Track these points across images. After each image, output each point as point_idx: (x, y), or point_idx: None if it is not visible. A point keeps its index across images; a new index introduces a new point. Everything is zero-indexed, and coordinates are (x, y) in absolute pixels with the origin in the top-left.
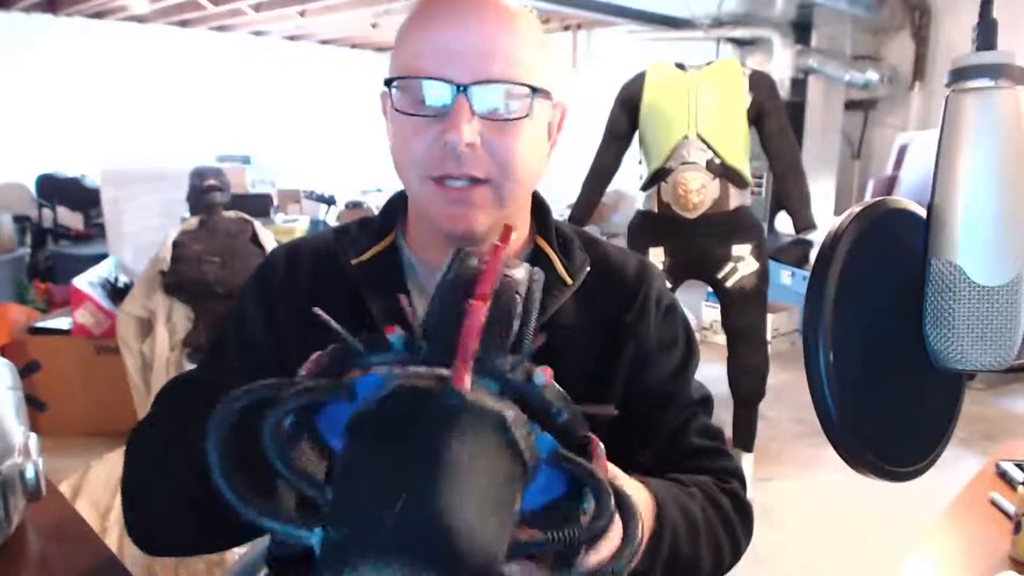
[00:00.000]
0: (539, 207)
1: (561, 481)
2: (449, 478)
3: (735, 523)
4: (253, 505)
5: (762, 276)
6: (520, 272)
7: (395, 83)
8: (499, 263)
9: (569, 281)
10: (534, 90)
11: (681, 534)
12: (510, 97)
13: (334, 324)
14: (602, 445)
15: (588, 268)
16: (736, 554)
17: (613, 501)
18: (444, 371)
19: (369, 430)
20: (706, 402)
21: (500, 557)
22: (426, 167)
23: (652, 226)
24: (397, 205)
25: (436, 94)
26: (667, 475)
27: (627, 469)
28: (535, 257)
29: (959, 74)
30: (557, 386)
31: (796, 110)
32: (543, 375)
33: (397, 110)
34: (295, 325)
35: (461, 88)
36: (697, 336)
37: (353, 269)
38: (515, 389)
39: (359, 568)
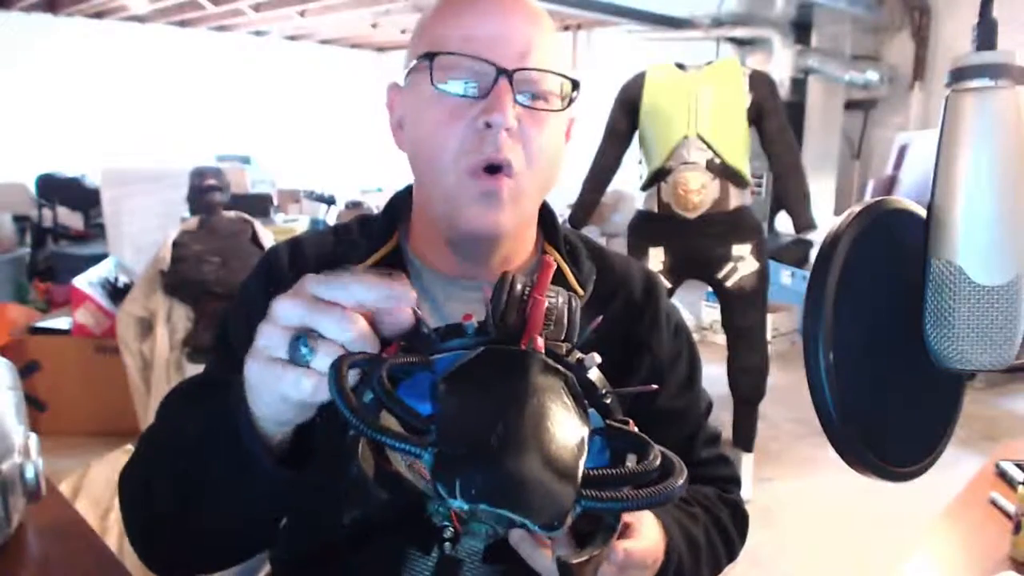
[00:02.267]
0: (547, 215)
1: (600, 457)
2: (532, 411)
3: (732, 533)
4: (376, 427)
5: (762, 276)
6: (560, 298)
7: (429, 62)
8: (549, 276)
9: (581, 292)
10: (574, 83)
11: (685, 562)
12: (550, 87)
13: (418, 312)
14: (636, 428)
15: (595, 277)
16: (731, 558)
17: (657, 453)
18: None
19: (468, 378)
20: (709, 410)
21: (576, 467)
22: (463, 151)
23: (652, 226)
24: (400, 206)
25: (478, 76)
26: None
27: None
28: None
29: (959, 74)
30: (601, 374)
31: (796, 110)
32: (592, 361)
33: (436, 87)
34: None
35: (505, 72)
36: (697, 336)
37: None
38: (569, 369)
39: (472, 475)
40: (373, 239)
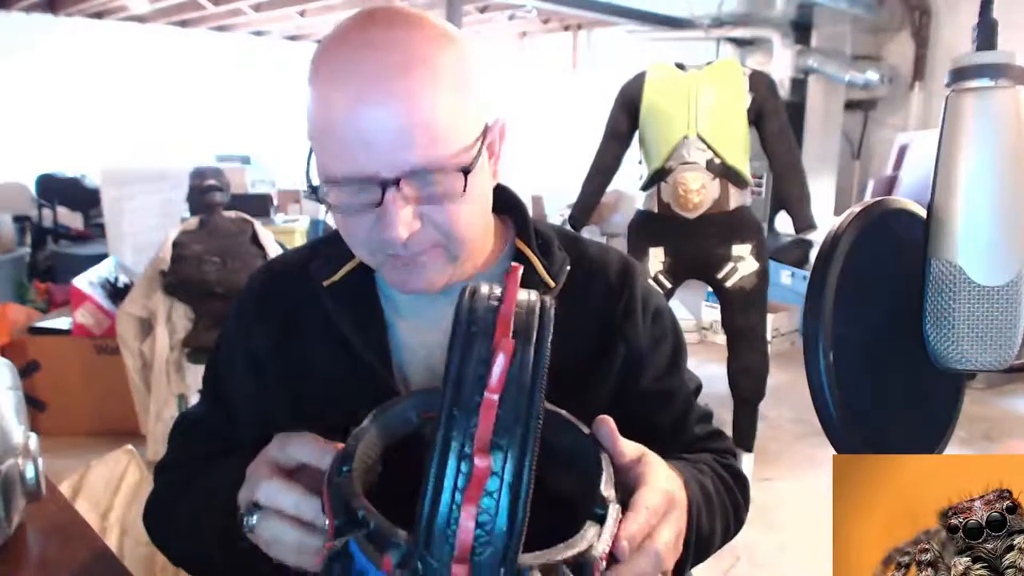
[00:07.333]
0: (517, 208)
1: None
2: None
3: (737, 495)
4: None
5: (762, 276)
6: (531, 316)
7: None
8: (509, 357)
9: (552, 284)
10: (466, 171)
11: (702, 512)
12: (443, 178)
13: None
14: None
15: (568, 267)
16: (739, 525)
17: None
18: None
19: None
20: (698, 390)
21: None
22: (371, 249)
23: (652, 226)
24: None
25: (365, 189)
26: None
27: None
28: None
29: (959, 74)
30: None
31: (796, 110)
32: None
33: (331, 206)
34: (269, 349)
35: (388, 184)
36: (697, 336)
37: (325, 291)
38: None
39: None
40: (343, 253)
